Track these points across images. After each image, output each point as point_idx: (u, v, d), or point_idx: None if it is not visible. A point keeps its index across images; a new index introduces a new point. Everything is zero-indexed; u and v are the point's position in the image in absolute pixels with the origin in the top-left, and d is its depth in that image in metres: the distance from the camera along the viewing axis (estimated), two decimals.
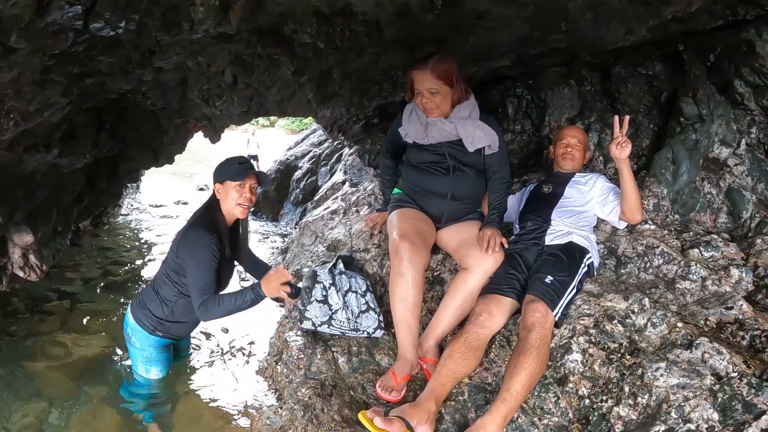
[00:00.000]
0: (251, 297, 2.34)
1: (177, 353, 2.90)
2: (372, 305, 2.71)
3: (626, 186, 2.52)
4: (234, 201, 2.49)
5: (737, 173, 2.78)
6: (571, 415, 2.04)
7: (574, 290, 2.31)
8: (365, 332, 2.65)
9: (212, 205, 2.55)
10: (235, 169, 2.54)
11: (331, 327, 2.63)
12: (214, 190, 2.57)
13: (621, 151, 2.48)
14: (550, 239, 2.51)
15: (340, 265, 2.88)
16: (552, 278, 2.26)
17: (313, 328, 2.64)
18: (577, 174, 2.86)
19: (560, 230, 2.54)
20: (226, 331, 3.52)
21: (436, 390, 2.15)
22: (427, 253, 2.60)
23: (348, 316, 2.64)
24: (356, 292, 2.71)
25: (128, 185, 6.55)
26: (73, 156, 2.94)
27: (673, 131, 2.92)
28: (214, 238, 2.41)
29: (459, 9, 2.50)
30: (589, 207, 2.70)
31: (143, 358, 2.66)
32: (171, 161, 4.81)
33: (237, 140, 15.98)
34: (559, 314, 2.20)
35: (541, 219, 2.62)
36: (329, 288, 2.68)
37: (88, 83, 2.41)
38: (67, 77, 2.25)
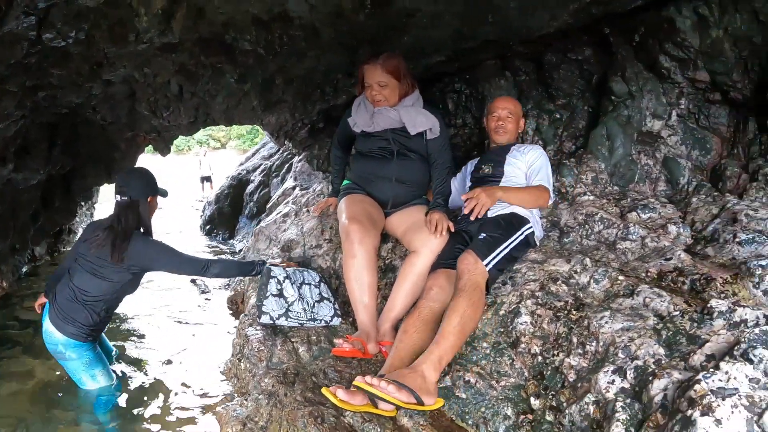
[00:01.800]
0: (258, 269, 2.83)
1: (105, 353, 2.97)
2: (326, 295, 2.82)
3: (517, 203, 2.59)
4: (154, 213, 2.85)
5: (671, 143, 2.95)
6: (526, 373, 2.10)
7: (507, 249, 2.38)
8: (323, 321, 2.72)
9: (130, 214, 2.67)
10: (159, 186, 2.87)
11: (288, 319, 2.68)
12: (136, 201, 2.68)
13: (485, 208, 2.49)
14: (492, 213, 2.59)
15: None
16: (485, 234, 2.37)
17: (271, 322, 2.69)
18: (514, 147, 2.85)
19: (503, 205, 2.62)
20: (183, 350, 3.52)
21: (395, 365, 2.18)
22: (377, 235, 2.68)
23: (304, 306, 2.71)
24: (310, 284, 2.81)
25: (83, 204, 6.52)
26: (28, 171, 2.97)
27: (606, 110, 3.09)
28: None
29: (389, 8, 2.62)
30: (522, 184, 2.73)
31: (84, 366, 2.71)
32: None
33: (189, 163, 15.85)
34: (491, 265, 2.27)
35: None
36: (284, 281, 2.76)
37: (41, 96, 2.47)
38: (21, 88, 2.31)
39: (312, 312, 2.70)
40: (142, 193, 2.71)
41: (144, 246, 2.67)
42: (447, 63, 3.38)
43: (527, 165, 2.73)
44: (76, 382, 2.77)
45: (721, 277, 2.03)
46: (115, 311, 2.95)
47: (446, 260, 2.47)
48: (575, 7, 2.75)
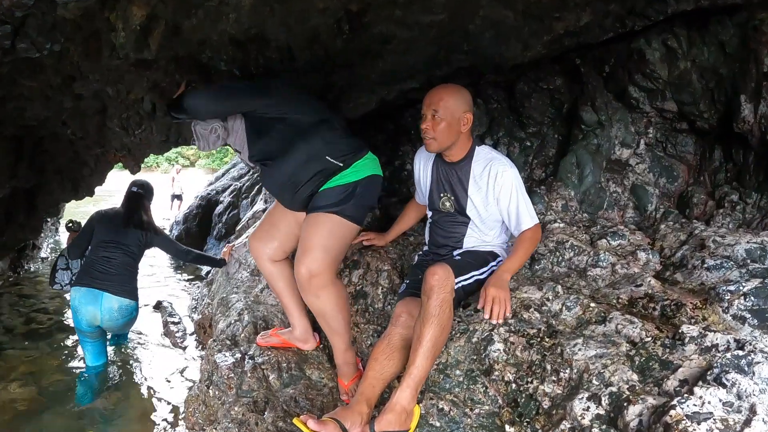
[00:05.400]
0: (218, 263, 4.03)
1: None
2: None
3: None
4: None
5: (639, 171, 3.03)
6: (500, 401, 2.09)
7: (479, 276, 2.36)
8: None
9: (142, 208, 3.83)
10: None
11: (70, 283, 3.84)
12: (145, 203, 3.86)
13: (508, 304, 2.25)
14: (470, 246, 2.51)
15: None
16: (460, 258, 2.36)
17: (60, 287, 3.98)
18: (472, 164, 2.41)
19: (481, 241, 2.52)
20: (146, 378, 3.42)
21: (365, 392, 2.15)
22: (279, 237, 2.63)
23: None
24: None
25: (48, 220, 6.35)
26: None
27: (576, 138, 3.16)
28: None
29: (366, 33, 2.63)
30: (500, 223, 2.49)
31: (132, 321, 3.75)
32: (91, 194, 4.84)
33: (157, 180, 15.78)
34: (459, 285, 2.24)
35: (452, 246, 2.54)
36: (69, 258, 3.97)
37: (9, 108, 2.39)
38: None
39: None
40: None
41: (158, 237, 3.97)
42: (420, 90, 3.40)
43: (496, 203, 2.38)
44: (122, 338, 4.19)
45: (691, 303, 2.06)
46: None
47: (416, 289, 2.40)
48: (548, 38, 2.82)
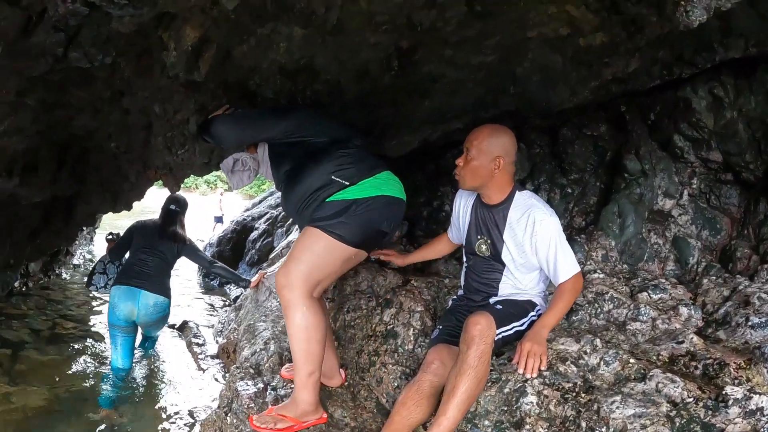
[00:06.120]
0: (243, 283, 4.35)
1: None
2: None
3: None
4: None
5: (681, 222, 2.93)
6: None
7: (519, 327, 2.27)
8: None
9: (177, 222, 4.20)
10: None
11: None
12: (180, 218, 4.24)
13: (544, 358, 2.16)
14: (506, 295, 2.41)
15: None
16: (501, 307, 2.27)
17: (96, 289, 4.41)
18: (510, 208, 2.33)
19: (517, 289, 2.42)
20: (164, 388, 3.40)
21: None
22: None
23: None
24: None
25: (84, 229, 6.47)
26: (32, 188, 2.95)
27: (618, 187, 3.09)
28: None
29: (415, 71, 2.63)
30: (536, 271, 2.38)
31: (165, 318, 4.14)
32: (129, 208, 4.94)
33: (196, 201, 16.34)
34: (499, 336, 2.15)
35: (486, 293, 2.46)
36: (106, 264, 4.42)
37: (58, 115, 2.45)
38: (39, 104, 2.28)
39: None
40: None
41: (188, 246, 4.36)
42: (464, 131, 3.39)
43: (534, 251, 2.28)
44: (154, 339, 4.48)
45: (734, 362, 1.96)
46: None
47: (450, 336, 2.35)
48: (596, 84, 2.80)
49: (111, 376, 3.73)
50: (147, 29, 2.13)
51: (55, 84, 2.16)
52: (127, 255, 4.19)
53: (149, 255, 3.99)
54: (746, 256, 2.70)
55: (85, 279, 4.76)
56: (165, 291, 4.02)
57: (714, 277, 2.66)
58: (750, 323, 2.17)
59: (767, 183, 2.70)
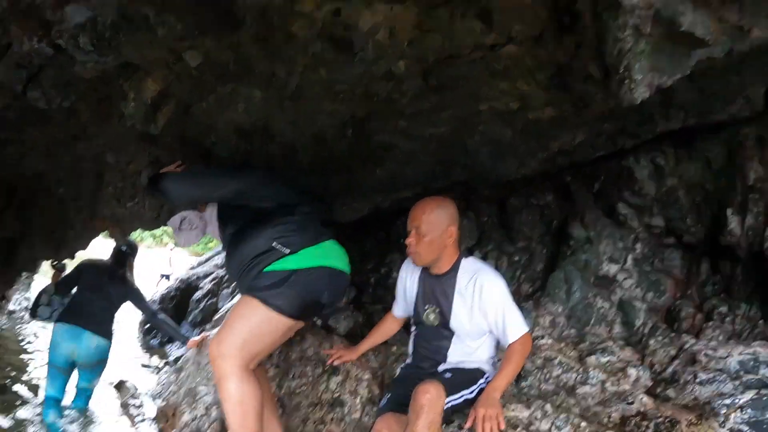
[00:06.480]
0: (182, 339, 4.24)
1: None
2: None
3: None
4: None
5: (626, 286, 3.03)
6: None
7: (468, 396, 2.23)
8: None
9: (126, 265, 4.12)
10: None
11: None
12: (130, 261, 4.18)
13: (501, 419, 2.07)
14: (455, 364, 2.38)
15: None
16: (451, 374, 2.24)
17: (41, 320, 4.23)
18: (457, 277, 2.34)
19: (466, 357, 2.40)
20: None
21: None
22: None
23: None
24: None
25: (23, 274, 6.12)
26: None
27: (565, 254, 3.20)
28: None
29: (369, 140, 2.66)
30: (484, 336, 2.38)
31: (104, 362, 4.03)
32: (72, 256, 4.79)
33: (153, 255, 15.68)
34: (448, 405, 2.09)
35: (435, 360, 2.43)
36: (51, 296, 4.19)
37: (9, 150, 2.34)
38: None
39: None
40: None
41: (133, 292, 4.22)
42: (413, 199, 3.42)
43: (483, 315, 2.28)
44: (92, 388, 4.11)
45: (685, 419, 2.01)
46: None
47: (398, 405, 2.25)
48: (543, 156, 2.92)
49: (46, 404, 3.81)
50: (109, 77, 2.11)
51: (11, 121, 2.09)
52: (73, 291, 4.15)
53: (96, 295, 3.96)
54: (691, 315, 2.80)
55: (28, 311, 4.83)
56: (108, 334, 4.00)
57: (660, 337, 2.74)
58: (698, 380, 2.23)
59: (708, 245, 2.84)
